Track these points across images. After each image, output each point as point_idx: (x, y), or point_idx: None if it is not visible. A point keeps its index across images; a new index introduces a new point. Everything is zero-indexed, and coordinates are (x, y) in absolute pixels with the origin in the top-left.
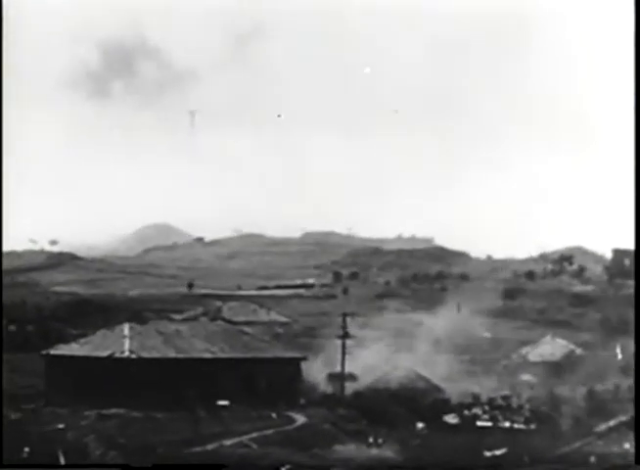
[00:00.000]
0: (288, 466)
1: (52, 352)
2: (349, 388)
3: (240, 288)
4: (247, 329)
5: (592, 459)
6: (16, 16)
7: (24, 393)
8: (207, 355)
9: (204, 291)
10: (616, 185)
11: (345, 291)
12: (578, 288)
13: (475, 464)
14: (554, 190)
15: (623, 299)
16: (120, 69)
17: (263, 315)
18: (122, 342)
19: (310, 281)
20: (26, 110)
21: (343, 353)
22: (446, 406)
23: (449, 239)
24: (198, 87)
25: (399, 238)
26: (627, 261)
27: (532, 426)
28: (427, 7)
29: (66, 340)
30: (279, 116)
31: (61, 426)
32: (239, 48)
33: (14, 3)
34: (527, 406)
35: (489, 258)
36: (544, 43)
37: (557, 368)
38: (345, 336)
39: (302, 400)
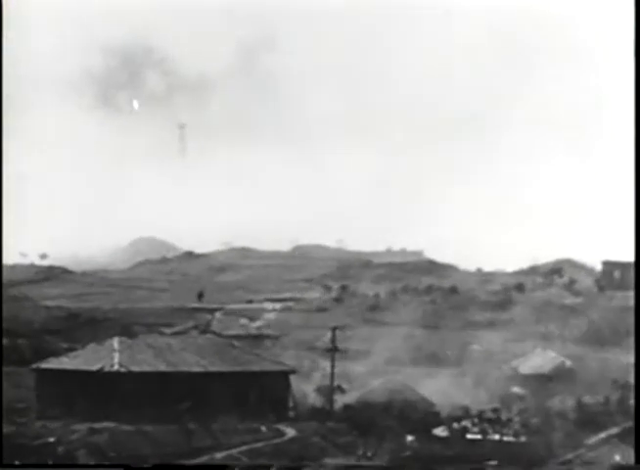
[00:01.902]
0: (276, 466)
1: (42, 365)
2: (339, 401)
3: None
4: (236, 342)
5: None
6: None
7: (16, 406)
8: (198, 369)
9: (193, 304)
10: (605, 197)
11: (337, 301)
12: (569, 300)
13: None
14: (543, 203)
15: (614, 310)
16: (118, 80)
17: (252, 329)
18: (112, 355)
19: (300, 294)
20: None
21: (332, 367)
22: (436, 419)
23: (438, 252)
24: (190, 99)
25: (389, 251)
26: (617, 273)
27: (522, 438)
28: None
29: (56, 354)
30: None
31: (51, 440)
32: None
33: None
34: (517, 419)
35: (479, 270)
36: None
37: (547, 380)
38: (335, 349)
39: (292, 413)
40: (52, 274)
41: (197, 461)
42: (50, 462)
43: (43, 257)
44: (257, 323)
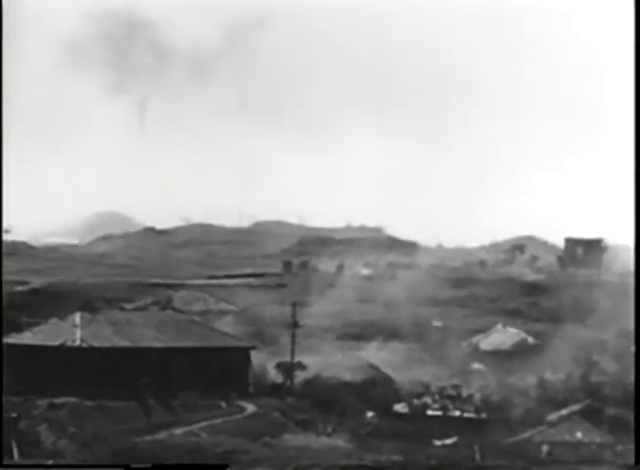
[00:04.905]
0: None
1: (4, 340)
2: (299, 377)
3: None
4: (196, 318)
5: (544, 448)
6: None
7: None
8: (158, 344)
9: (154, 280)
10: (564, 174)
11: (297, 277)
12: (530, 277)
13: (425, 453)
14: (506, 178)
15: (576, 287)
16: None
17: (212, 304)
18: (74, 331)
19: (260, 270)
20: None
21: (293, 343)
22: (396, 396)
23: (399, 228)
24: (158, 72)
25: (348, 227)
26: (579, 251)
27: (483, 415)
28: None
29: (18, 329)
30: None
31: (14, 415)
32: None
33: None
34: (478, 395)
35: (440, 247)
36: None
37: (508, 357)
38: (295, 325)
39: (252, 389)
40: (14, 249)
41: (156, 437)
42: (12, 439)
43: (6, 231)
44: (217, 300)
